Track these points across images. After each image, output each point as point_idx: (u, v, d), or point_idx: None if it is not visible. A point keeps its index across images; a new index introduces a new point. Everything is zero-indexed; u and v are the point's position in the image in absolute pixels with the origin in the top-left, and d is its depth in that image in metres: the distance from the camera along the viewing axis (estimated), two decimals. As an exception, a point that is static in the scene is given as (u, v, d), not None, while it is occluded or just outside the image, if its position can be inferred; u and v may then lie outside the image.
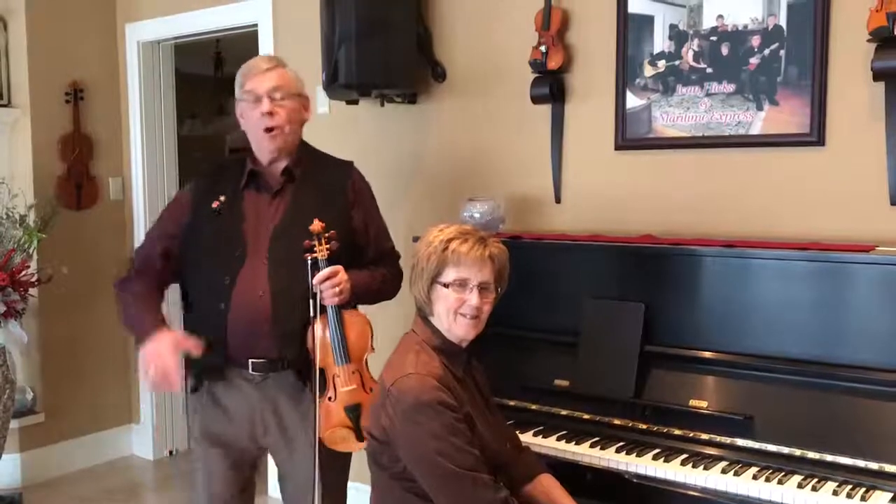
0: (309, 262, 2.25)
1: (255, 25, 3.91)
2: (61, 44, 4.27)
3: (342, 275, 2.27)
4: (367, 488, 2.11)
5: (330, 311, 2.27)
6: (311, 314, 2.25)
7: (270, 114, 2.30)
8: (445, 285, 1.99)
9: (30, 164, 4.16)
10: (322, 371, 2.29)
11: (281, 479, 2.49)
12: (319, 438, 2.28)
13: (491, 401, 2.19)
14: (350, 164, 2.53)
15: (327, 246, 2.25)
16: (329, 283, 2.24)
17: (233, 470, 2.41)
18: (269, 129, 2.31)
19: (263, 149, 2.36)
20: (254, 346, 2.28)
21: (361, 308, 2.46)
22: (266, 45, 3.86)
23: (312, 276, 2.24)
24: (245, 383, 2.34)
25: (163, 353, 2.17)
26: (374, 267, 2.46)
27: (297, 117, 2.38)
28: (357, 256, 2.41)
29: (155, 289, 2.39)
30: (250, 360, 2.29)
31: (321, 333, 2.27)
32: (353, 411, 2.28)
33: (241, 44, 4.36)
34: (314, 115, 3.67)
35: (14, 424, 4.02)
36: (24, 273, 3.72)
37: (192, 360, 2.35)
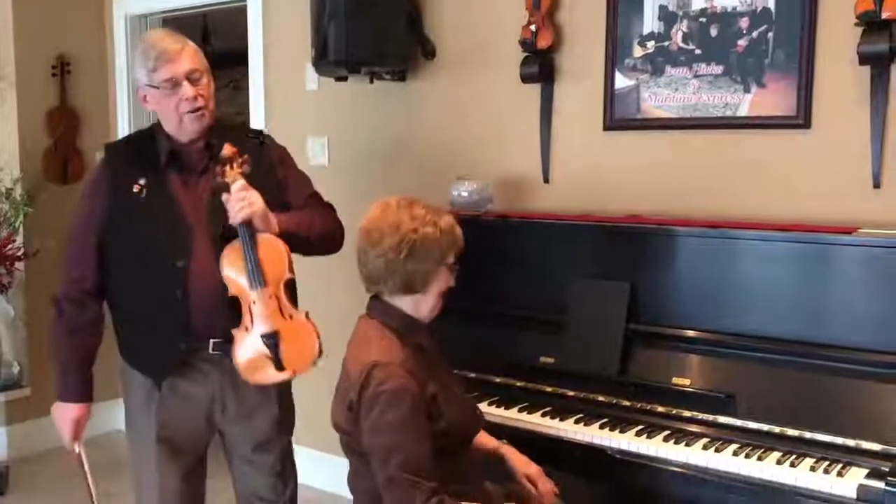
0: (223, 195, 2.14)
1: (244, 0, 3.88)
2: (48, 16, 4.23)
3: (250, 191, 2.16)
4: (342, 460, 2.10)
5: (241, 230, 2.15)
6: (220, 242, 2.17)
7: (195, 97, 2.22)
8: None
9: (16, 137, 4.14)
10: (237, 300, 2.19)
11: (229, 453, 2.44)
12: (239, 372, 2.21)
13: (453, 373, 2.18)
14: (261, 132, 2.51)
15: (239, 170, 2.13)
16: (236, 196, 2.14)
17: (186, 482, 2.38)
18: (196, 110, 2.22)
19: (186, 131, 2.27)
20: (214, 327, 2.24)
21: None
22: (255, 21, 3.84)
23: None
24: (204, 364, 2.30)
25: (61, 424, 2.47)
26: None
27: (213, 93, 2.32)
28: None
29: (97, 320, 2.47)
30: (211, 340, 2.26)
31: (233, 257, 2.16)
32: (271, 338, 2.17)
33: (229, 18, 4.33)
34: (304, 91, 3.69)
35: (0, 398, 4.02)
36: (9, 247, 3.72)
37: (151, 359, 2.34)
